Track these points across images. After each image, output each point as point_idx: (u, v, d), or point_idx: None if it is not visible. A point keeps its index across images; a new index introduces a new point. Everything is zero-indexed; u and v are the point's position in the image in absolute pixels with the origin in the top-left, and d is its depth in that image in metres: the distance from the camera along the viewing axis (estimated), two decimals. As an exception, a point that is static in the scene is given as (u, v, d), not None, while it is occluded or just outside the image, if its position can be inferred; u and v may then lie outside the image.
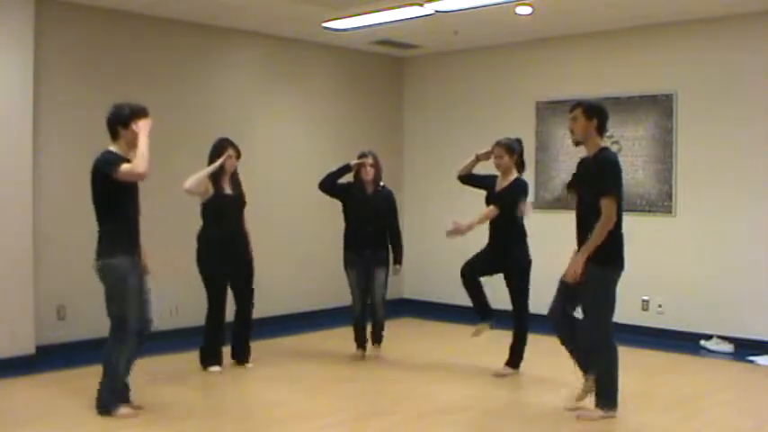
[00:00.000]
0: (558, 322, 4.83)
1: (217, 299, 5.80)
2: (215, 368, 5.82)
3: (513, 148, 5.75)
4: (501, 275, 5.77)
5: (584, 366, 4.80)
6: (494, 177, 5.84)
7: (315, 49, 8.21)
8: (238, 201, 5.86)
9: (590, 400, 4.78)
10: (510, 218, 5.68)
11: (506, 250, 5.70)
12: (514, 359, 5.81)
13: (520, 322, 5.77)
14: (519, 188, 5.72)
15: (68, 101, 6.41)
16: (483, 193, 5.85)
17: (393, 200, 6.35)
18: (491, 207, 5.68)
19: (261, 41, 7.80)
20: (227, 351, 5.95)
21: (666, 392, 5.41)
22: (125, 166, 4.50)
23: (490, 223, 5.76)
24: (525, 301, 5.73)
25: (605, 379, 4.69)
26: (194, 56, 7.29)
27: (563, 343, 4.87)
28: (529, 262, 5.72)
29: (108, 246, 4.63)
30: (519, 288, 5.72)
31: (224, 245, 5.74)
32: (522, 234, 5.73)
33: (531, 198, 7.81)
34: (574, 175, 4.92)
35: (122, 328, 4.62)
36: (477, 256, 5.80)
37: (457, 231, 5.57)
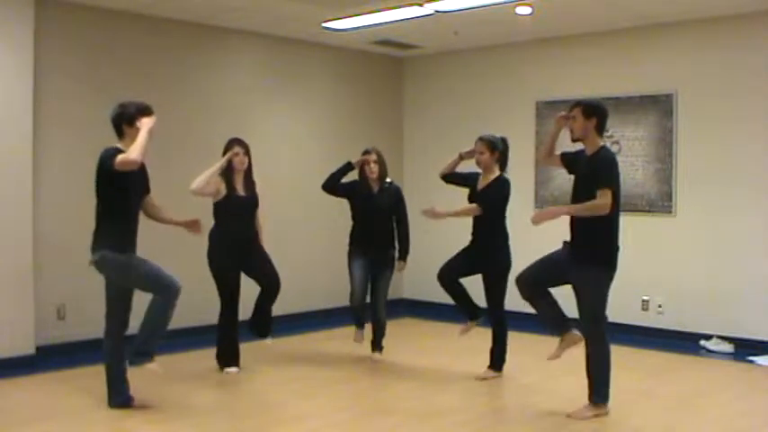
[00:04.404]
0: (527, 285, 4.91)
1: (229, 298, 5.76)
2: (232, 369, 5.81)
3: (495, 145, 5.67)
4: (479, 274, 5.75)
5: (558, 329, 4.89)
6: (476, 175, 5.79)
7: (315, 49, 8.22)
8: (251, 202, 5.82)
9: (582, 399, 4.79)
10: (493, 217, 5.64)
11: (487, 250, 5.66)
12: (497, 362, 5.77)
13: (498, 325, 5.74)
14: (501, 188, 5.65)
15: (68, 101, 6.41)
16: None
17: (401, 197, 6.28)
18: (473, 205, 5.67)
19: (261, 41, 7.80)
20: (242, 348, 5.94)
21: (666, 392, 5.42)
22: (120, 156, 4.56)
23: (473, 222, 5.75)
24: (502, 302, 5.70)
25: (599, 376, 4.73)
26: (194, 56, 7.29)
27: (531, 301, 4.94)
28: (509, 264, 5.66)
29: (103, 240, 4.67)
30: (497, 290, 5.68)
31: (235, 245, 5.71)
32: (504, 235, 5.67)
33: (530, 198, 7.89)
34: (575, 153, 4.97)
35: (164, 288, 4.69)
36: (454, 259, 5.79)
37: (431, 214, 5.69)
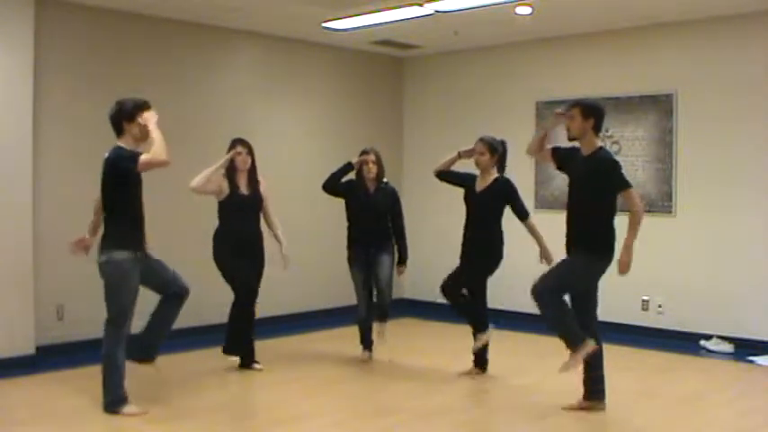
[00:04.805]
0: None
1: (243, 286, 5.69)
2: (236, 358, 5.82)
3: (495, 147, 5.62)
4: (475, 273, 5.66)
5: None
6: (474, 177, 5.72)
7: (315, 49, 8.21)
8: (254, 200, 5.81)
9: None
10: (490, 219, 5.57)
11: (482, 250, 5.57)
12: (480, 361, 5.74)
13: (478, 315, 5.66)
14: (505, 188, 5.58)
15: (68, 101, 6.41)
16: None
17: (397, 198, 6.26)
18: (531, 224, 5.51)
19: (261, 41, 7.80)
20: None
21: (666, 392, 5.42)
22: (144, 157, 4.58)
23: (469, 224, 5.67)
24: (485, 299, 5.65)
25: (561, 332, 4.71)
26: (194, 56, 7.29)
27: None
28: (498, 262, 5.58)
29: (113, 241, 4.67)
30: (480, 281, 5.61)
31: (239, 243, 5.69)
32: (500, 237, 5.59)
33: (530, 198, 7.88)
34: (568, 150, 4.96)
35: (118, 323, 4.68)
36: (454, 271, 5.68)
37: (547, 259, 5.41)
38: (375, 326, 6.25)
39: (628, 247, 4.65)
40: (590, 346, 4.69)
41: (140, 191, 4.80)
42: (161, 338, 4.96)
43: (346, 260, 6.25)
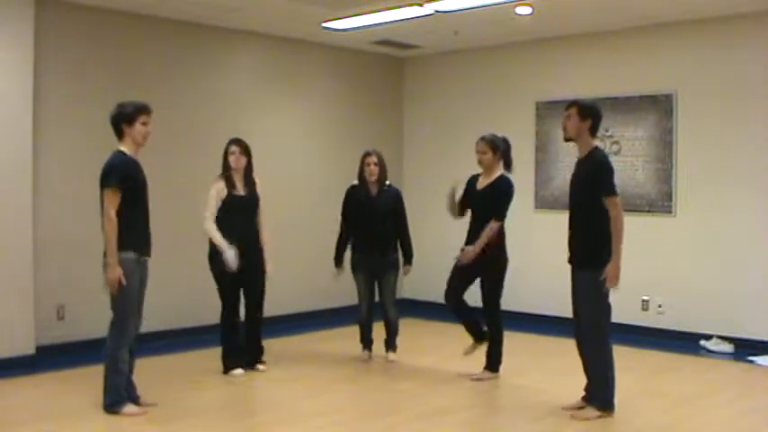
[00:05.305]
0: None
1: (230, 299, 5.70)
2: (238, 371, 5.74)
3: (496, 145, 5.58)
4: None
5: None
6: (475, 177, 5.71)
7: (315, 49, 8.21)
8: (251, 201, 5.78)
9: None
10: (490, 216, 5.52)
11: (485, 251, 5.53)
12: (492, 362, 5.70)
13: (493, 324, 5.64)
14: (501, 187, 5.54)
15: (68, 101, 6.41)
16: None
17: (400, 199, 6.25)
18: (491, 226, 5.47)
19: (261, 41, 7.80)
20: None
21: (666, 392, 5.42)
22: (110, 208, 4.56)
23: (471, 222, 5.65)
24: (498, 302, 5.61)
25: (601, 380, 4.72)
26: (194, 56, 7.29)
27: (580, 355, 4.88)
28: (506, 263, 5.58)
29: (119, 243, 4.63)
30: (493, 290, 5.59)
31: (238, 245, 5.61)
32: (501, 235, 5.55)
33: (530, 198, 7.88)
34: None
35: (123, 325, 4.65)
36: (453, 276, 5.67)
37: (466, 259, 5.50)
38: (386, 354, 6.29)
39: (616, 257, 4.57)
40: (609, 414, 4.71)
41: (143, 196, 4.76)
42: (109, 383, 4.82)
43: (349, 263, 6.25)
